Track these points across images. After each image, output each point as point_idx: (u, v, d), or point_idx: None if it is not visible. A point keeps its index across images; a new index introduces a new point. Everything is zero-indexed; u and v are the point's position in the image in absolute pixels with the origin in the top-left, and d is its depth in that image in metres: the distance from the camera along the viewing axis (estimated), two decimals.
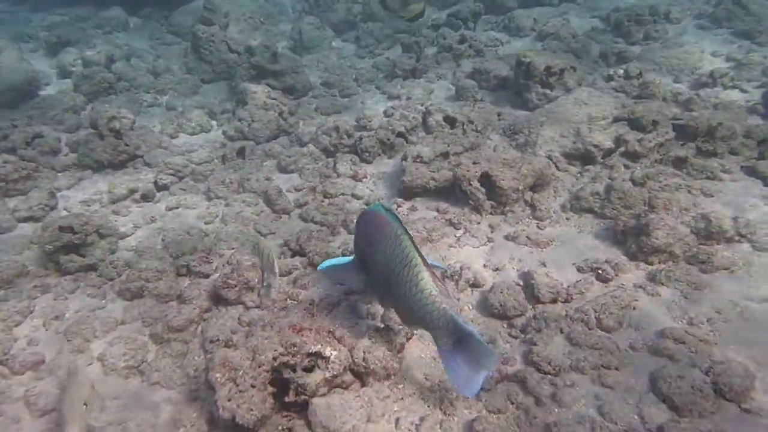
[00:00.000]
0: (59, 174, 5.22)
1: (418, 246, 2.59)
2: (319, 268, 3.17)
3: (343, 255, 4.12)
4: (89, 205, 4.75)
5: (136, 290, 3.58)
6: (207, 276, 3.89)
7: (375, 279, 2.87)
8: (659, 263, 3.73)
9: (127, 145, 5.38)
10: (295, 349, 2.80)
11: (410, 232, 2.63)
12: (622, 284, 3.63)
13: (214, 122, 6.59)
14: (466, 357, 2.44)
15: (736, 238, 3.81)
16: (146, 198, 4.85)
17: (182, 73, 7.83)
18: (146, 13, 10.32)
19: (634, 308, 3.40)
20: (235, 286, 3.57)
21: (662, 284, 3.55)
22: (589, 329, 3.28)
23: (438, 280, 2.53)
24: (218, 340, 3.17)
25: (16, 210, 4.50)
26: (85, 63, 7.38)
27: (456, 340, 2.47)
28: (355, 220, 3.38)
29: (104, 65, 7.37)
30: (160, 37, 9.56)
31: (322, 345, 2.87)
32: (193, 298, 3.54)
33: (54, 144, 5.41)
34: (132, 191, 4.79)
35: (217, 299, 3.61)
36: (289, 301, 3.72)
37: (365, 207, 4.75)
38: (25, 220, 4.52)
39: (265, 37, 8.42)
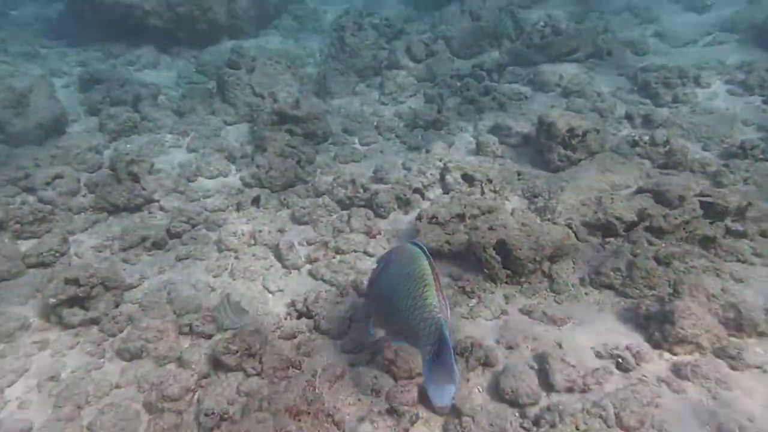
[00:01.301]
0: (75, 216, 5.21)
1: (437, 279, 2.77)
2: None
3: (350, 320, 4.00)
4: (100, 252, 4.71)
5: (135, 351, 3.47)
6: (210, 336, 3.77)
7: (380, 291, 3.06)
8: (685, 354, 3.51)
9: (143, 189, 5.38)
10: None
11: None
12: (644, 376, 3.40)
13: (233, 167, 6.59)
14: (441, 369, 2.63)
15: None
16: (157, 246, 4.79)
17: (206, 113, 7.91)
18: (177, 52, 10.58)
19: (657, 406, 3.17)
20: (236, 351, 3.44)
21: (688, 380, 3.32)
22: (608, 427, 3.07)
23: (442, 298, 2.70)
24: (213, 413, 3.02)
25: (27, 255, 4.47)
26: (112, 101, 7.51)
27: (436, 351, 2.63)
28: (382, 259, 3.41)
29: (130, 104, 7.48)
30: (188, 76, 9.75)
31: None
32: (193, 363, 3.42)
33: (73, 185, 5.44)
34: (144, 239, 4.75)
35: (217, 364, 3.48)
36: (291, 370, 3.58)
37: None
38: (35, 266, 4.48)
39: (291, 82, 8.51)
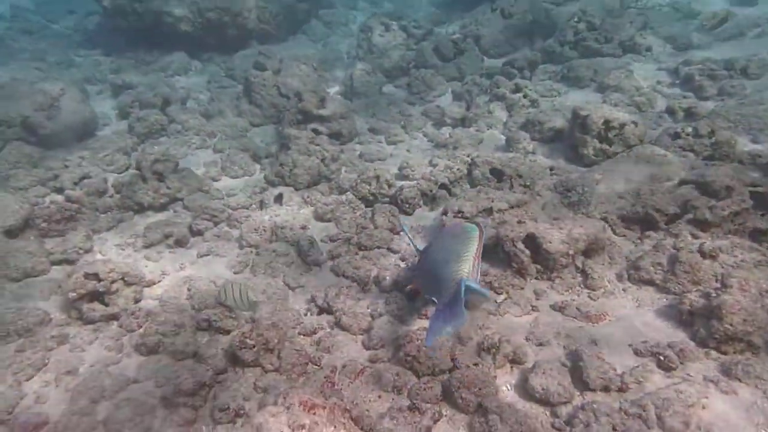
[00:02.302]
0: (101, 215, 5.24)
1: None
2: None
3: (372, 315, 3.86)
4: (123, 249, 4.71)
5: (152, 345, 3.40)
6: (228, 332, 3.68)
7: (428, 254, 3.32)
8: (734, 353, 3.21)
9: (168, 188, 5.37)
10: (303, 431, 2.50)
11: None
12: (689, 375, 3.13)
13: (257, 166, 6.56)
14: (446, 314, 2.78)
15: None
16: (180, 243, 4.76)
17: (233, 116, 7.94)
18: (208, 57, 10.73)
19: (704, 407, 2.89)
20: (253, 346, 3.33)
21: (739, 380, 3.03)
22: (648, 429, 2.81)
23: (477, 268, 2.93)
24: (228, 408, 2.91)
25: (51, 252, 4.50)
26: (141, 105, 7.61)
27: (450, 301, 2.80)
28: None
29: (159, 107, 7.57)
30: (218, 81, 9.85)
31: (335, 427, 2.56)
32: (209, 357, 3.32)
33: (100, 185, 5.49)
34: (167, 236, 4.72)
35: (234, 360, 3.38)
36: (310, 366, 3.45)
37: (403, 264, 4.48)
38: (59, 262, 4.51)
39: (317, 83, 8.47)
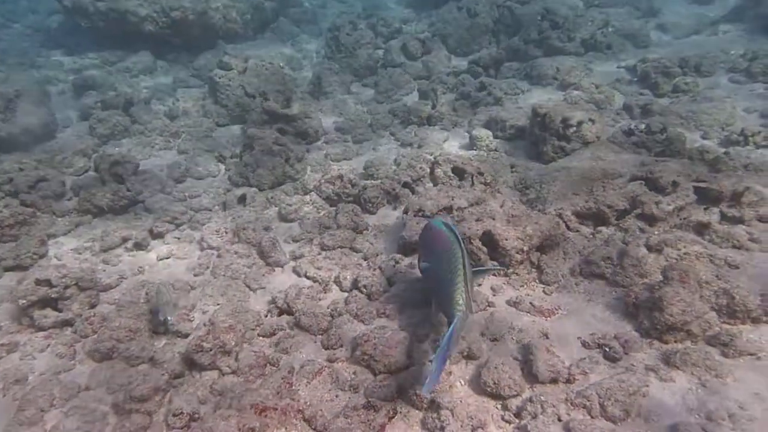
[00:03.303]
0: (59, 219, 5.17)
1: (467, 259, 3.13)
2: None
3: (332, 315, 3.89)
4: (80, 253, 4.65)
5: (106, 351, 3.39)
6: (185, 336, 3.68)
7: (429, 275, 3.45)
8: (675, 342, 3.36)
9: (128, 191, 5.33)
10: None
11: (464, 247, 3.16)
12: (632, 365, 3.26)
13: (222, 166, 6.53)
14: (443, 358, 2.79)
15: (764, 319, 3.41)
16: (139, 247, 4.73)
17: (198, 116, 7.88)
18: (173, 57, 10.59)
19: (644, 395, 3.02)
20: (210, 349, 3.35)
21: (677, 368, 3.17)
22: (592, 418, 2.94)
23: (470, 294, 3.06)
24: (182, 413, 2.93)
25: (3, 258, 4.42)
26: (104, 106, 7.50)
27: (445, 344, 2.81)
28: (419, 234, 3.84)
29: (122, 108, 7.46)
30: (184, 81, 9.74)
31: (286, 429, 2.61)
32: (166, 362, 3.33)
33: (57, 188, 5.41)
34: (125, 239, 4.68)
35: (191, 363, 3.39)
36: (268, 368, 3.48)
37: (365, 264, 4.53)
38: (12, 269, 4.43)
39: (284, 82, 8.44)
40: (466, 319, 3.02)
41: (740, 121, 6.48)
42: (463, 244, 3.16)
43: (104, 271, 4.43)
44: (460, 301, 3.01)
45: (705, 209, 4.28)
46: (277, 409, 2.62)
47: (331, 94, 9.03)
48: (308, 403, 2.93)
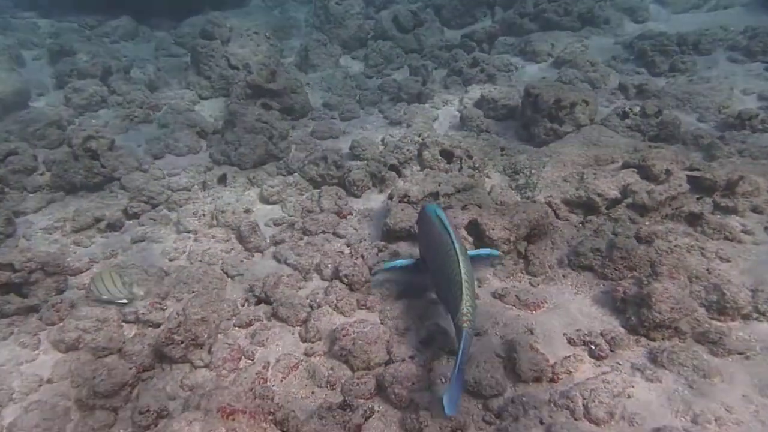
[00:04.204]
0: (31, 195, 4.95)
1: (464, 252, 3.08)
2: (385, 266, 3.82)
3: (311, 305, 3.76)
4: (50, 234, 4.46)
5: (71, 341, 3.23)
6: (157, 325, 3.53)
7: (432, 271, 3.40)
8: (663, 339, 3.27)
9: (103, 167, 5.10)
10: None
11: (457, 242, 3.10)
12: (618, 363, 3.17)
13: (203, 143, 6.29)
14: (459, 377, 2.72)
15: (755, 315, 3.33)
16: (113, 228, 4.54)
17: (180, 87, 7.58)
18: (156, 23, 10.18)
19: (629, 396, 2.94)
20: (181, 342, 3.21)
21: (664, 367, 3.09)
22: (575, 420, 2.85)
23: (473, 295, 2.96)
24: (148, 410, 2.80)
25: None
26: (79, 74, 7.17)
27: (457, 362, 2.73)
28: (415, 221, 3.95)
29: (99, 77, 7.14)
30: (166, 48, 9.37)
31: None
32: (134, 354, 3.19)
33: (29, 162, 5.17)
34: (97, 220, 4.49)
35: (161, 356, 3.25)
36: (243, 361, 3.36)
37: (347, 251, 4.37)
38: None
39: (270, 53, 8.12)
40: (474, 331, 2.93)
41: (738, 103, 6.33)
42: (458, 241, 3.11)
43: (74, 253, 4.25)
44: (465, 310, 2.87)
45: (698, 199, 4.16)
46: (245, 412, 2.50)
47: (318, 67, 8.74)
48: (280, 404, 2.81)
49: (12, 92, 6.28)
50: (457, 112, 6.97)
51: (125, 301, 3.50)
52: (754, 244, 3.93)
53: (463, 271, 2.98)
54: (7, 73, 6.31)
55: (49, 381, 3.10)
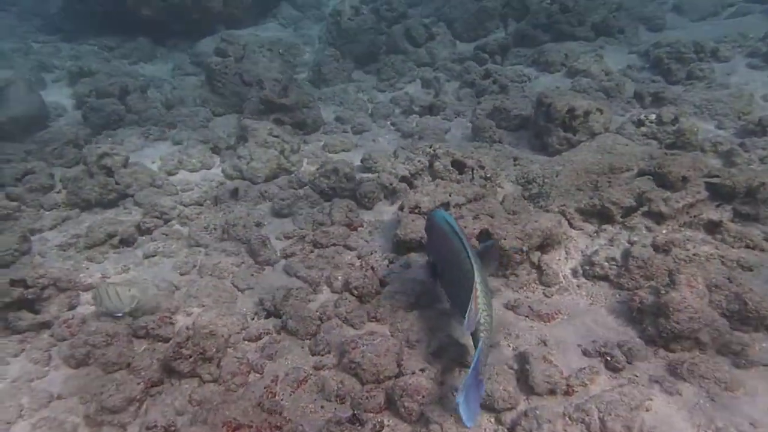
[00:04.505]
0: (47, 213, 5.03)
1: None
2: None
3: (321, 318, 3.72)
4: (64, 250, 4.51)
5: (81, 357, 3.24)
6: (167, 340, 3.53)
7: (444, 279, 3.33)
8: (682, 351, 3.15)
9: (117, 184, 5.17)
10: None
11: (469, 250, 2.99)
12: (636, 376, 3.06)
13: (217, 158, 6.35)
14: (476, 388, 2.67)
15: None
16: (126, 243, 4.58)
17: (195, 105, 7.69)
18: (173, 43, 10.39)
19: (648, 410, 2.84)
20: (190, 356, 3.19)
21: (684, 380, 2.97)
22: None
23: (489, 303, 2.89)
24: (156, 426, 2.78)
25: None
26: (98, 94, 7.33)
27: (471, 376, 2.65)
28: (424, 229, 3.83)
29: (117, 96, 7.28)
30: (183, 68, 9.55)
31: None
32: (143, 369, 3.17)
33: (45, 181, 5.26)
34: (111, 235, 4.53)
35: (170, 371, 3.24)
36: (252, 375, 3.33)
37: (358, 263, 4.33)
38: None
39: (282, 70, 8.21)
40: (491, 341, 2.87)
41: (758, 110, 6.18)
42: (470, 247, 2.99)
43: (87, 269, 4.29)
44: (482, 320, 2.81)
45: (717, 206, 4.04)
46: (252, 426, 2.46)
47: (331, 82, 8.80)
48: (288, 418, 2.77)
49: (30, 113, 6.42)
50: (469, 123, 6.94)
51: (120, 315, 3.50)
52: None
53: (477, 280, 2.88)
54: (27, 95, 6.47)
55: (59, 397, 3.09)
